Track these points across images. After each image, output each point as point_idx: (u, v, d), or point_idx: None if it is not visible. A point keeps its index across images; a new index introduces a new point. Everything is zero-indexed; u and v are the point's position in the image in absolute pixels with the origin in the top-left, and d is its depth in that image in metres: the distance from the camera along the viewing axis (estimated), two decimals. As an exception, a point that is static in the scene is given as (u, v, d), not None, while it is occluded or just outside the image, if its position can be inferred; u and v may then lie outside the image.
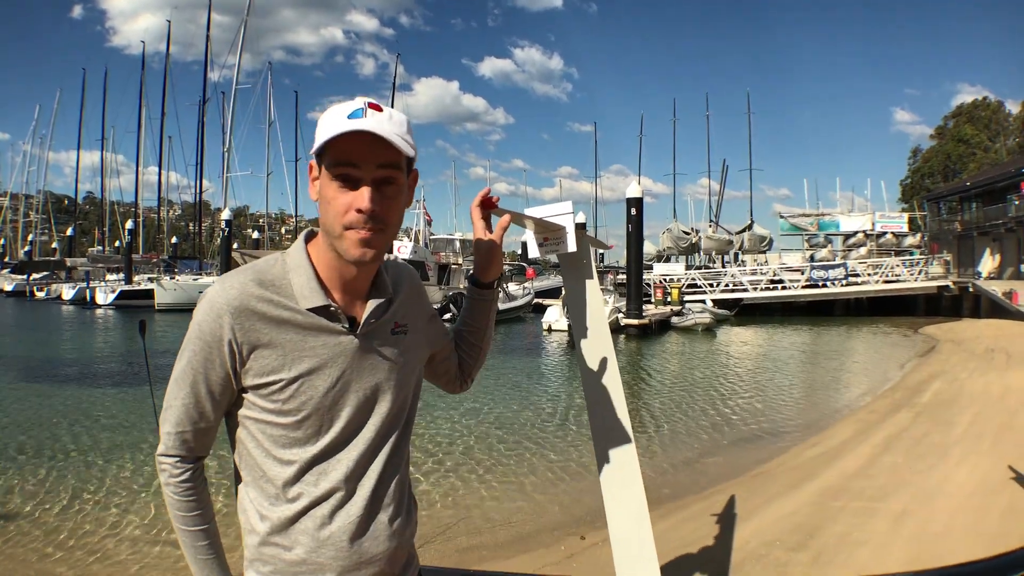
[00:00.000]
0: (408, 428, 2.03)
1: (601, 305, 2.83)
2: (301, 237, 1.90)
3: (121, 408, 14.80)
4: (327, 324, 1.80)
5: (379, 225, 1.73)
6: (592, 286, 2.77)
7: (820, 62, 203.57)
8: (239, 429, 1.84)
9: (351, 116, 1.68)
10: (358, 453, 1.84)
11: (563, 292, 38.54)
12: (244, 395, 1.79)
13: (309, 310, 1.77)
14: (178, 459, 1.79)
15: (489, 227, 2.21)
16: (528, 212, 2.54)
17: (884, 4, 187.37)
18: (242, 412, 1.81)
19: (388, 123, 1.71)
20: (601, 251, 63.89)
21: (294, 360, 1.76)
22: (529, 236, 2.69)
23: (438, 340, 2.20)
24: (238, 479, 1.88)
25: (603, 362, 2.79)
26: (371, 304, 1.88)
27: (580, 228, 2.65)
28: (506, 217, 2.24)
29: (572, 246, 2.59)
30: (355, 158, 1.70)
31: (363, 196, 1.70)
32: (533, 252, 2.70)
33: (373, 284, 1.90)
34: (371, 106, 1.71)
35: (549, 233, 2.63)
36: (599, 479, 2.85)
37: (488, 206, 2.21)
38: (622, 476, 2.82)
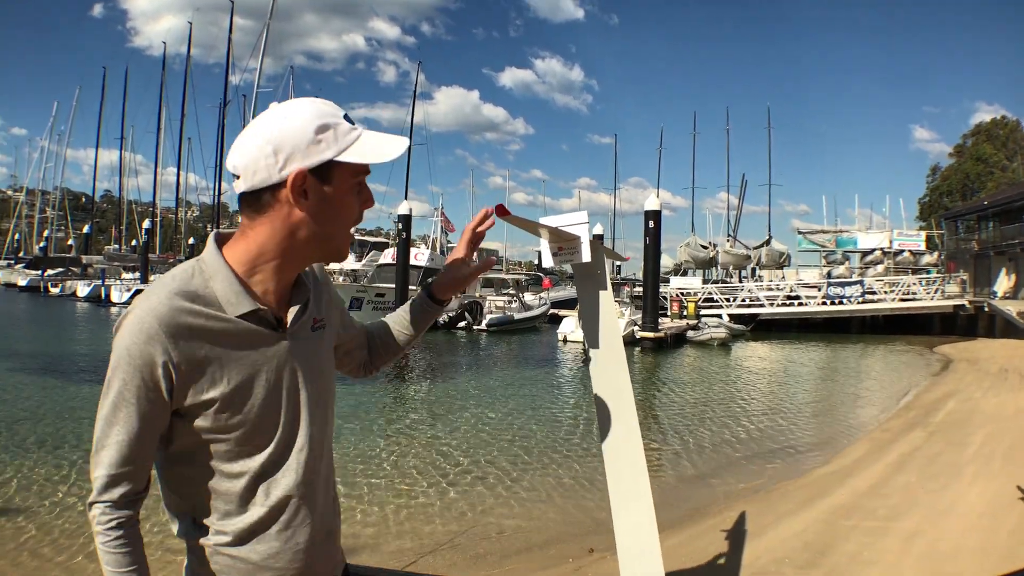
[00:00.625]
0: (332, 419, 2.01)
1: (615, 316, 2.81)
2: (212, 241, 1.80)
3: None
4: (258, 330, 1.74)
5: None
6: (606, 297, 2.75)
7: (840, 78, 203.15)
8: (177, 456, 1.74)
9: (353, 124, 1.73)
10: (305, 456, 1.81)
11: (578, 303, 38.56)
12: (181, 419, 1.70)
13: (239, 317, 1.70)
14: (111, 505, 1.65)
15: (471, 253, 2.23)
16: (543, 221, 2.52)
17: (904, 22, 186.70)
18: (181, 437, 1.72)
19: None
20: (617, 263, 63.92)
21: (231, 372, 1.69)
22: (544, 245, 2.67)
23: (348, 330, 2.19)
24: (172, 499, 1.80)
25: (615, 374, 2.77)
26: (295, 306, 1.84)
27: (595, 239, 2.63)
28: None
29: (587, 256, 2.57)
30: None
31: (370, 194, 1.75)
32: (547, 261, 2.68)
33: (295, 282, 1.86)
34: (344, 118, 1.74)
35: (564, 242, 2.62)
36: (608, 492, 2.83)
37: (502, 212, 2.21)
38: (631, 490, 2.80)
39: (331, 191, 1.72)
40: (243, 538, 1.73)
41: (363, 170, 1.73)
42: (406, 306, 2.32)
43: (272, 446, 1.76)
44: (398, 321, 2.31)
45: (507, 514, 8.89)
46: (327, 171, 1.70)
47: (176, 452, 1.73)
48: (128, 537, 1.66)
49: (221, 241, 1.80)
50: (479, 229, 2.20)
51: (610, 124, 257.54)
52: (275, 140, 1.66)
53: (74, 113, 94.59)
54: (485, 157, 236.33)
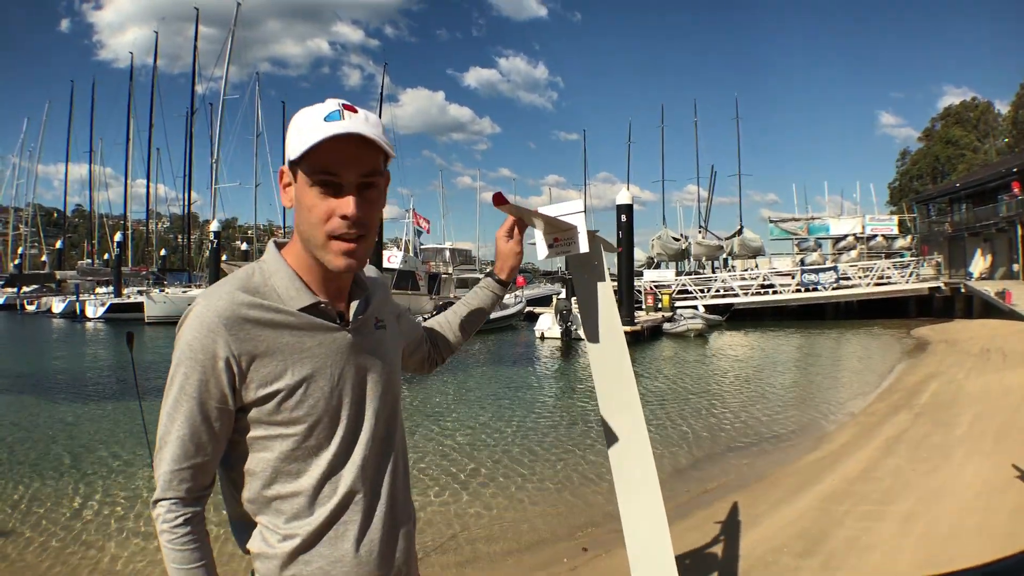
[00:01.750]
0: (402, 420, 2.01)
1: (614, 308, 2.73)
2: (271, 245, 1.84)
3: (106, 423, 14.60)
4: (320, 322, 1.74)
5: (361, 231, 1.69)
6: (604, 288, 2.67)
7: (805, 67, 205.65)
8: (244, 455, 1.73)
9: (328, 119, 1.63)
10: (367, 451, 1.79)
11: (554, 300, 38.70)
12: (245, 415, 1.69)
13: (300, 310, 1.70)
14: (176, 501, 1.65)
15: (511, 234, 2.34)
16: (540, 210, 2.43)
17: (869, 7, 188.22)
18: (245, 435, 1.71)
19: (366, 124, 1.65)
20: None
21: (294, 364, 1.68)
22: (539, 236, 2.59)
23: (410, 334, 2.25)
24: (237, 504, 1.77)
25: (618, 366, 2.70)
26: (355, 301, 1.85)
27: (591, 231, 2.55)
28: (520, 221, 2.35)
29: (584, 247, 2.49)
30: (337, 163, 1.64)
31: (348, 203, 1.65)
32: (542, 252, 2.60)
33: (352, 282, 1.88)
34: (346, 107, 1.65)
35: (560, 234, 2.53)
36: (615, 489, 2.76)
37: (500, 201, 2.16)
38: (639, 486, 2.73)
39: (296, 189, 1.72)
40: (313, 541, 1.72)
41: (324, 165, 1.65)
42: (469, 296, 2.46)
43: (337, 441, 1.75)
44: (465, 306, 2.44)
45: (497, 515, 8.79)
46: (295, 167, 1.70)
47: (242, 452, 1.73)
48: (195, 533, 1.66)
49: (279, 246, 1.84)
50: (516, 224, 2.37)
51: (577, 121, 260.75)
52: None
53: (44, 129, 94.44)
54: (453, 158, 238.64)
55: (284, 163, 1.74)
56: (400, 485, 1.91)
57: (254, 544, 1.74)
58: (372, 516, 1.78)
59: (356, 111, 1.66)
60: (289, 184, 1.73)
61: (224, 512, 1.85)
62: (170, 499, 1.64)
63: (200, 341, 1.61)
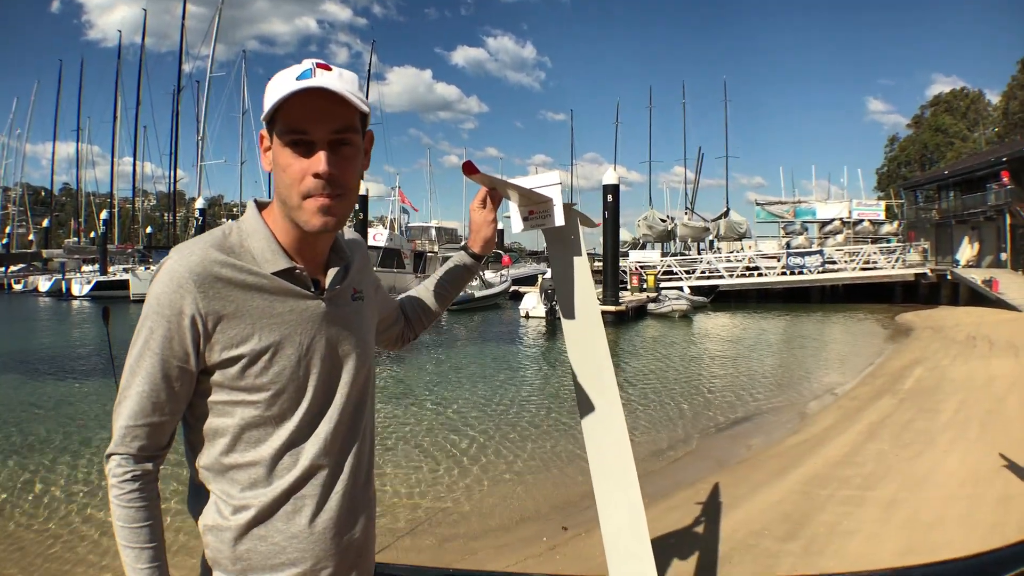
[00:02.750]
0: (373, 399, 1.93)
1: (590, 284, 2.64)
2: (252, 205, 1.76)
3: (82, 398, 14.53)
4: (293, 288, 1.68)
5: (338, 190, 1.63)
6: (580, 263, 2.58)
7: (795, 51, 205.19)
8: (203, 418, 1.66)
9: (300, 77, 1.57)
10: (333, 426, 1.72)
11: (539, 279, 38.76)
12: (208, 377, 1.63)
13: (274, 274, 1.64)
14: (127, 457, 1.60)
15: (484, 204, 2.27)
16: (513, 181, 2.35)
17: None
18: (206, 398, 1.65)
19: (339, 81, 1.59)
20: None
21: (263, 328, 1.63)
22: (513, 208, 2.50)
23: (385, 307, 2.19)
24: (195, 472, 1.71)
25: (592, 344, 2.62)
26: (333, 268, 1.78)
27: (568, 204, 2.47)
28: (494, 193, 2.27)
29: (560, 220, 2.40)
30: (308, 120, 1.59)
31: (319, 159, 1.59)
32: (517, 226, 2.51)
33: (332, 249, 1.80)
34: (320, 66, 1.59)
35: (535, 206, 2.44)
36: (590, 470, 2.69)
37: (471, 171, 2.10)
38: (614, 466, 2.66)
39: (273, 150, 1.66)
40: (268, 513, 1.66)
41: (295, 123, 1.59)
42: (441, 270, 2.40)
43: (301, 413, 1.69)
44: (437, 282, 2.38)
45: (476, 494, 8.77)
46: (271, 129, 1.65)
47: (203, 414, 1.68)
48: (144, 491, 1.61)
49: (261, 207, 1.77)
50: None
51: (564, 101, 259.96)
52: None
53: (32, 108, 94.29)
54: (440, 136, 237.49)
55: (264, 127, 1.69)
56: (364, 465, 1.85)
57: (207, 517, 1.68)
58: (331, 493, 1.71)
59: (330, 69, 1.60)
60: (268, 148, 1.68)
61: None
62: (122, 454, 1.60)
63: (168, 296, 1.57)
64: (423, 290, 2.38)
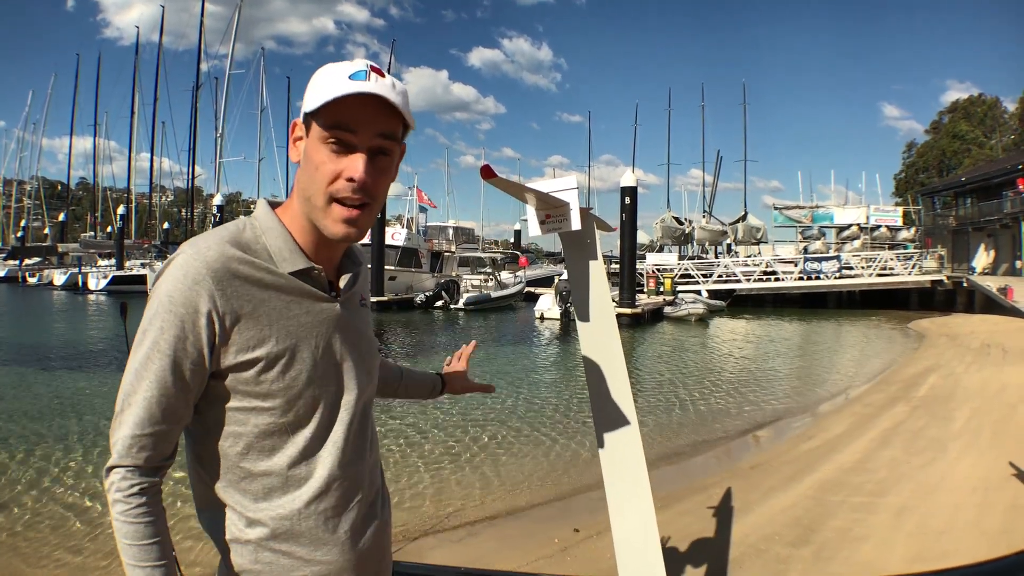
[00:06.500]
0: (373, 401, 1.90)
1: (605, 287, 2.67)
2: (263, 202, 1.72)
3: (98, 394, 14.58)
4: (310, 290, 1.64)
5: (367, 199, 1.58)
6: (596, 267, 2.61)
7: (812, 56, 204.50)
8: (212, 426, 1.60)
9: (354, 77, 1.53)
10: (346, 433, 1.68)
11: (555, 280, 38.79)
12: (220, 381, 1.56)
13: (291, 274, 1.60)
14: (132, 470, 1.50)
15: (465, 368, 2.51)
16: (531, 185, 2.38)
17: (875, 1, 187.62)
18: (215, 405, 1.58)
19: (393, 91, 1.55)
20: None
21: (279, 331, 1.57)
22: (530, 212, 2.53)
23: None
24: (205, 486, 1.64)
25: (607, 348, 2.65)
26: (347, 273, 1.75)
27: (585, 208, 2.51)
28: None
29: (576, 224, 2.43)
30: (355, 122, 1.54)
31: (357, 164, 1.54)
32: (534, 230, 2.54)
33: (345, 254, 1.78)
34: (373, 69, 1.55)
35: (552, 210, 2.47)
36: (602, 472, 2.71)
37: (489, 175, 2.11)
38: (626, 469, 2.68)
39: (306, 142, 1.61)
40: (284, 526, 1.60)
41: (341, 122, 1.54)
42: (412, 371, 2.40)
43: (316, 420, 1.64)
44: (407, 376, 2.36)
45: (490, 494, 8.78)
46: (309, 121, 1.59)
47: (213, 423, 1.60)
48: (151, 506, 1.51)
49: (274, 205, 1.73)
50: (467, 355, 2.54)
51: (581, 102, 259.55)
52: None
53: (48, 102, 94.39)
54: (456, 136, 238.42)
55: (300, 116, 1.64)
56: (377, 469, 1.83)
57: (221, 531, 1.62)
58: (349, 502, 1.68)
59: (384, 75, 1.57)
60: (300, 138, 1.63)
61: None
62: (127, 467, 1.49)
63: (183, 293, 1.49)
64: (390, 364, 2.32)
